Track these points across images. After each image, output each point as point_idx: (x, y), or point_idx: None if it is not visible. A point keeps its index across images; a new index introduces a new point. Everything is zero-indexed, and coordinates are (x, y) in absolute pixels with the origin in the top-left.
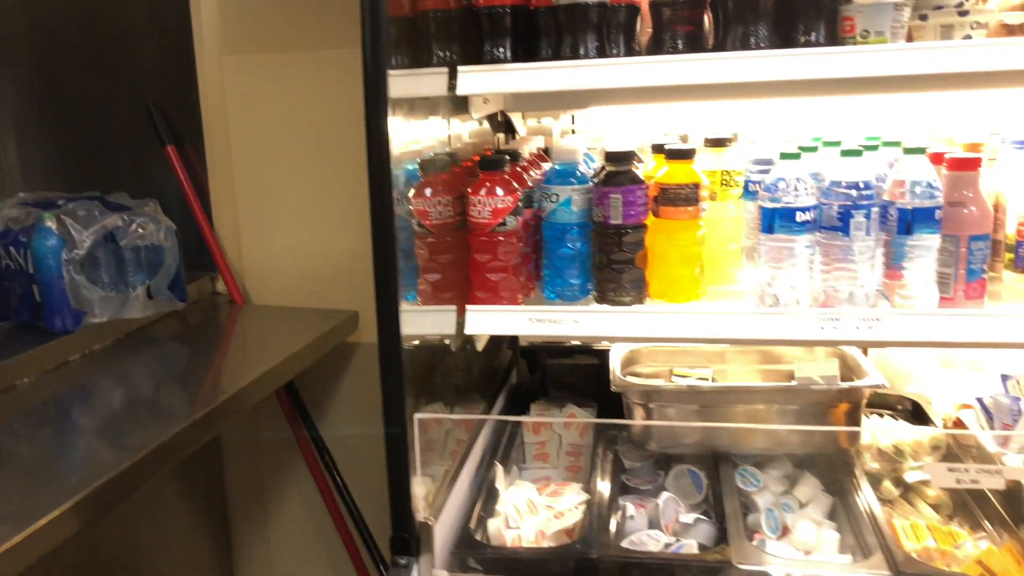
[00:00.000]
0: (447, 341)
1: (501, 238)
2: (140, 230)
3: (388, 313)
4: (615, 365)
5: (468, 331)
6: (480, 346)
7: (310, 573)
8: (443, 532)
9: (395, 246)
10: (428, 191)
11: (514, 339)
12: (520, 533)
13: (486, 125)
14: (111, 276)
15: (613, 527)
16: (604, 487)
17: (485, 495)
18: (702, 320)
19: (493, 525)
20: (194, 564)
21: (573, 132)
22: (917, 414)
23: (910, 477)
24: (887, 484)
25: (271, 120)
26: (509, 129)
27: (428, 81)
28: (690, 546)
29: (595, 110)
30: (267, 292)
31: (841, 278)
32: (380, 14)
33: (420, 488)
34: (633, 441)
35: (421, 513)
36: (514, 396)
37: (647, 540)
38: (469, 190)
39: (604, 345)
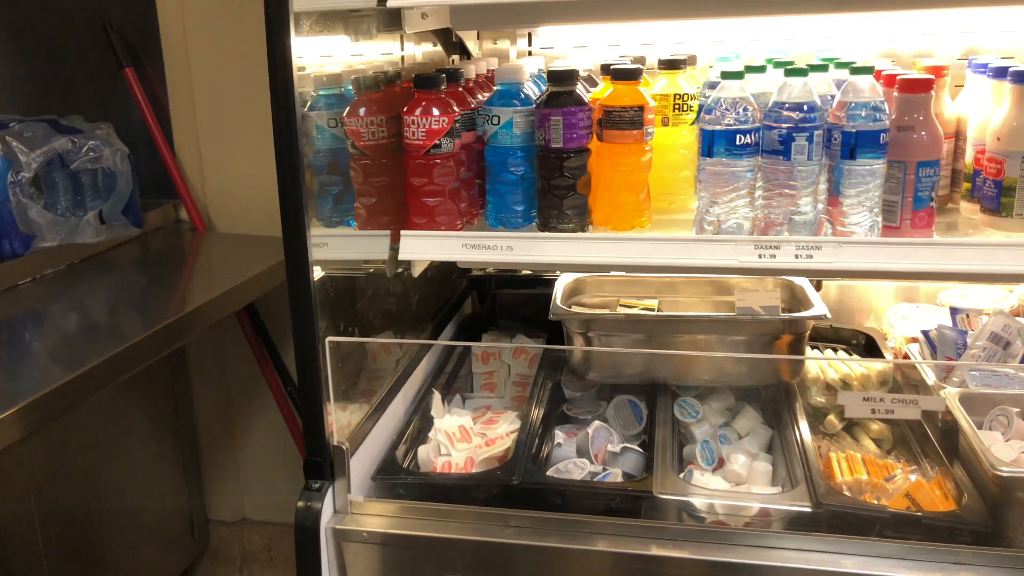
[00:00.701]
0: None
1: (437, 161)
2: (91, 153)
3: (295, 235)
4: (557, 294)
5: (402, 257)
6: (416, 272)
7: (279, 496)
8: (368, 457)
9: (300, 167)
10: (362, 110)
11: (465, 269)
12: (450, 459)
13: (439, 48)
14: (67, 201)
15: (545, 456)
16: (543, 416)
17: (420, 422)
18: (635, 246)
19: (423, 452)
20: (164, 488)
21: (530, 54)
22: (871, 348)
23: None
24: (831, 418)
25: (233, 41)
26: (464, 52)
27: None
28: (616, 475)
29: (555, 32)
30: (231, 220)
31: (782, 204)
32: None
33: (335, 412)
34: (574, 371)
35: (335, 437)
36: (465, 326)
37: (572, 468)
38: (404, 110)
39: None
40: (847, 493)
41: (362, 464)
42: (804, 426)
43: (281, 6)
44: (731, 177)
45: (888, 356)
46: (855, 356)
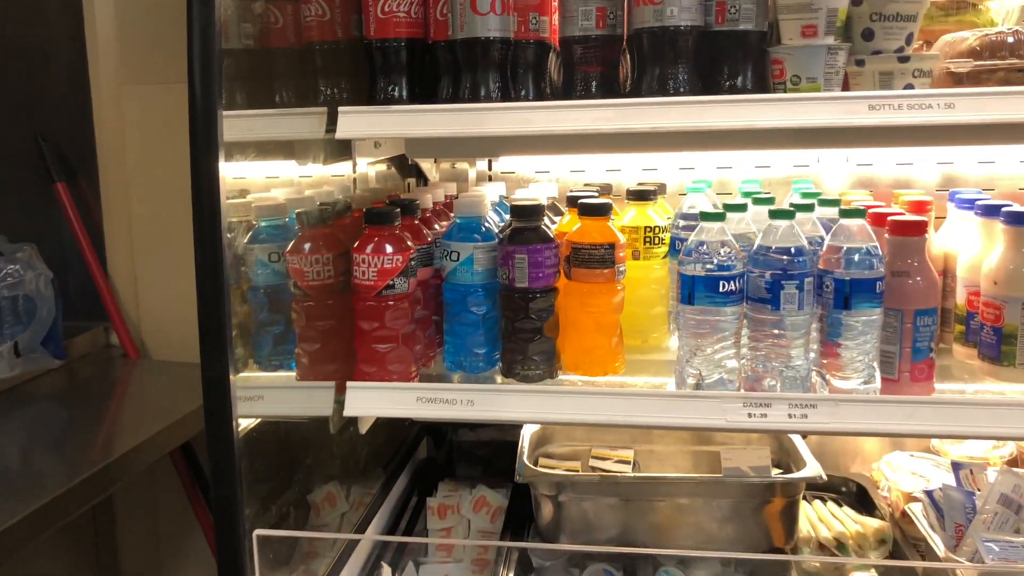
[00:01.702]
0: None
1: (390, 303)
2: (10, 279)
3: (218, 394)
4: (525, 446)
5: (348, 413)
6: (363, 428)
7: None
8: None
9: (226, 314)
10: (306, 246)
11: None
12: None
13: (393, 170)
14: None
15: None
16: None
17: None
18: (610, 403)
19: None
20: None
21: (490, 178)
22: (862, 499)
23: None
24: None
25: (174, 157)
26: (420, 174)
27: (301, 122)
28: None
29: (516, 156)
30: (166, 346)
31: (772, 356)
32: (211, 47)
33: None
34: (542, 535)
35: None
36: (420, 474)
37: None
38: (354, 247)
39: None
40: None
41: None
42: None
43: (210, 135)
44: (714, 327)
45: (882, 507)
46: (845, 508)
